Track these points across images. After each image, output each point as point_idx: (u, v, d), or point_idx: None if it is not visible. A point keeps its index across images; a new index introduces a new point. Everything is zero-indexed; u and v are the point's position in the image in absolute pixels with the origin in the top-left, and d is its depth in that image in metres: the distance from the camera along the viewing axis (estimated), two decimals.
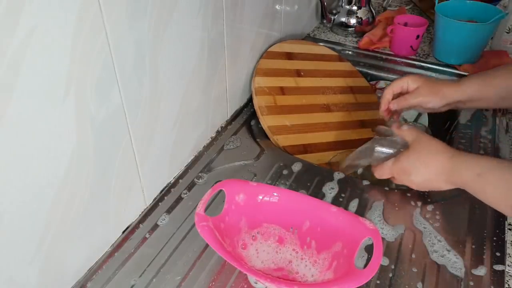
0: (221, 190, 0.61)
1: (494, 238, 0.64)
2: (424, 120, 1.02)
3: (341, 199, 0.71)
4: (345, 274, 0.53)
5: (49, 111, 0.47)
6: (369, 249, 0.60)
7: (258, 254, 0.62)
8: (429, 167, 0.63)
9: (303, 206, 0.61)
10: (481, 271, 0.59)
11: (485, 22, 0.97)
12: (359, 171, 0.84)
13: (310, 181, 0.75)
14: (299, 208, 0.61)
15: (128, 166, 0.62)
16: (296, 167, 0.78)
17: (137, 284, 0.58)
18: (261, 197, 0.62)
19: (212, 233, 0.55)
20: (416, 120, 1.02)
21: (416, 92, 0.77)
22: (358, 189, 0.73)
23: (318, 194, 0.72)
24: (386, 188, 0.73)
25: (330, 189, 0.73)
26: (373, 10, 1.21)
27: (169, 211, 0.69)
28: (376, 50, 1.14)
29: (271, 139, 0.85)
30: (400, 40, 1.10)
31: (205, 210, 0.57)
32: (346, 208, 0.69)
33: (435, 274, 0.60)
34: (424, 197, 0.71)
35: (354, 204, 0.70)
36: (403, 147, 0.67)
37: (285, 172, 0.77)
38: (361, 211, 0.69)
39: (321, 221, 0.60)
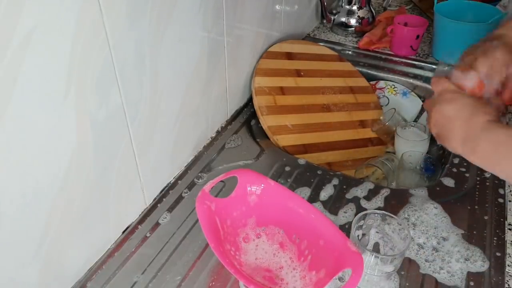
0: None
1: (494, 238, 0.64)
2: (424, 120, 1.02)
3: (344, 190, 0.71)
4: None
5: (49, 111, 0.47)
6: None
7: (256, 250, 0.61)
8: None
9: (306, 220, 0.59)
10: (481, 270, 0.60)
11: (485, 22, 0.97)
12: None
13: (310, 180, 0.75)
14: (304, 221, 0.60)
15: (128, 166, 0.62)
16: (297, 166, 0.78)
17: (138, 282, 0.58)
18: (274, 197, 0.61)
19: (211, 215, 0.54)
20: (416, 120, 1.02)
21: None
22: (360, 187, 0.73)
23: (319, 194, 0.72)
24: (388, 187, 0.74)
25: (333, 183, 0.73)
26: (373, 10, 1.21)
27: (170, 210, 0.69)
28: (376, 50, 1.14)
29: (271, 139, 0.85)
30: (400, 40, 1.10)
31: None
32: (347, 201, 0.69)
33: None
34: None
35: (354, 200, 0.70)
36: None
37: (287, 168, 0.77)
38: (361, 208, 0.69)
39: (316, 243, 0.58)
